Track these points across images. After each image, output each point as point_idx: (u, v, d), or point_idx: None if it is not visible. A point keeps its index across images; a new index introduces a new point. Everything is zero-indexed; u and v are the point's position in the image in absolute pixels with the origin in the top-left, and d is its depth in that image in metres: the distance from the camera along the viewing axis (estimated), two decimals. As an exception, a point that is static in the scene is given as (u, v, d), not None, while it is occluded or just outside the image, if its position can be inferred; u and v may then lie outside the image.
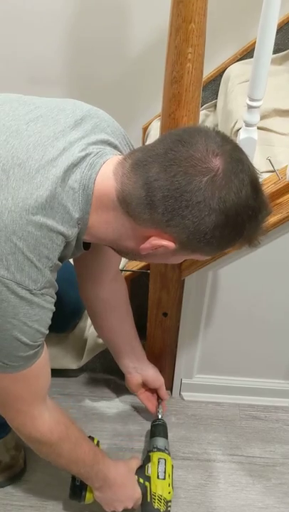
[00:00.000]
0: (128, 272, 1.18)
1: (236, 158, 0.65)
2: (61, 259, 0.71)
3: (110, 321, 1.08)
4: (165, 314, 1.16)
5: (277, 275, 1.06)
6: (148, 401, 1.20)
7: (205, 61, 1.59)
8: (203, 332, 1.19)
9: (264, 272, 1.04)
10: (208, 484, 1.18)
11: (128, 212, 0.67)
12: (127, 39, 1.51)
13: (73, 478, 1.00)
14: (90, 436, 1.00)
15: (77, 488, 1.00)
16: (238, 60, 1.50)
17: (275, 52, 1.47)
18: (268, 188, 0.95)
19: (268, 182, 0.95)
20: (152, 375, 1.16)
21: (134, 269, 1.17)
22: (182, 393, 1.33)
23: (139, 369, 1.15)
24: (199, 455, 1.23)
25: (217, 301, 1.12)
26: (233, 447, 1.24)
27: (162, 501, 1.01)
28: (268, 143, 1.16)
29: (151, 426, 1.17)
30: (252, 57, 1.54)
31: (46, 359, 0.77)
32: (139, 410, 1.30)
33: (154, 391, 1.20)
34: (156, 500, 1.01)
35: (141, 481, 1.03)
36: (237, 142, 0.86)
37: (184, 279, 1.07)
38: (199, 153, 0.62)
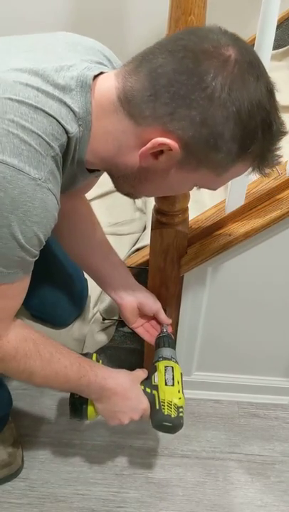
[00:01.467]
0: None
1: (250, 52, 0.60)
2: (65, 185, 0.65)
3: (76, 236, 0.99)
4: (164, 311, 1.15)
5: (277, 271, 1.05)
6: (147, 333, 1.06)
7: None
8: (202, 329, 1.18)
9: (264, 268, 1.04)
10: (207, 482, 1.17)
11: (129, 112, 0.61)
12: (126, 35, 1.50)
13: (71, 394, 0.94)
14: (86, 353, 0.95)
15: (77, 402, 0.93)
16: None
17: (275, 48, 1.47)
18: (267, 184, 0.94)
19: (266, 179, 0.95)
20: (146, 297, 1.02)
21: (132, 265, 1.17)
22: (181, 391, 1.32)
23: (131, 292, 1.01)
24: (198, 453, 1.22)
25: (216, 297, 1.11)
26: (232, 445, 1.24)
27: (172, 407, 0.92)
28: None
29: (156, 339, 1.03)
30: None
31: (26, 287, 0.72)
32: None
33: (151, 320, 1.06)
34: (166, 407, 0.92)
35: (148, 390, 0.94)
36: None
37: (182, 276, 1.06)
38: (212, 42, 0.58)
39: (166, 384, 0.94)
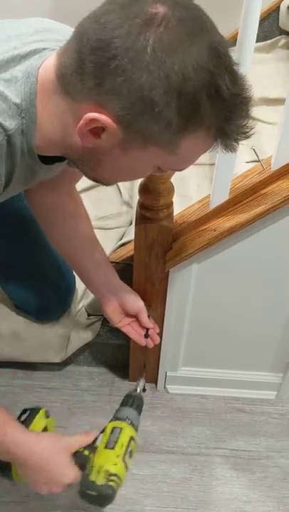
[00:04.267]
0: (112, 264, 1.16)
1: (187, 8, 0.54)
2: (9, 173, 0.63)
3: (61, 232, 0.97)
4: (150, 306, 1.14)
5: (263, 266, 1.04)
6: (134, 332, 1.02)
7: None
8: (188, 324, 1.17)
9: (249, 263, 1.03)
10: (193, 478, 1.17)
11: (65, 89, 0.58)
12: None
13: None
14: (34, 408, 0.87)
15: (1, 464, 0.81)
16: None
17: (262, 40, 1.46)
18: (252, 179, 0.93)
19: (252, 172, 0.94)
20: (129, 296, 0.99)
21: (117, 260, 1.15)
22: (167, 386, 1.31)
23: (112, 289, 0.99)
24: (184, 448, 1.22)
25: (202, 293, 1.10)
26: (218, 440, 1.23)
27: (102, 473, 0.78)
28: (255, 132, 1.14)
29: (124, 397, 0.95)
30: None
31: None
32: (124, 404, 1.28)
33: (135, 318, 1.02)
34: (95, 471, 0.79)
35: (86, 453, 0.82)
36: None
37: (168, 271, 1.05)
38: (139, 2, 0.53)
39: (105, 447, 0.82)
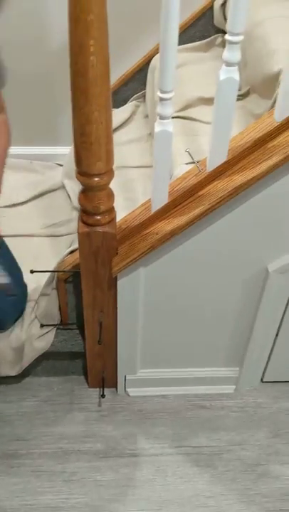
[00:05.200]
0: (61, 273, 1.15)
1: None
2: None
3: None
4: (102, 312, 1.13)
5: (206, 266, 1.05)
6: None
7: (131, 50, 1.57)
8: (142, 327, 1.17)
9: (193, 263, 1.04)
10: (156, 479, 1.18)
11: None
12: (48, 33, 1.46)
13: None
14: None
15: None
16: (164, 49, 1.47)
17: (199, 39, 1.46)
18: (190, 181, 0.94)
19: (190, 174, 0.94)
20: None
21: (65, 269, 1.14)
22: (128, 389, 1.32)
23: None
24: (147, 450, 1.22)
25: (152, 294, 1.10)
26: (180, 439, 1.25)
27: None
28: (193, 132, 1.15)
29: None
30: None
31: None
32: (84, 411, 1.28)
33: None
34: None
35: None
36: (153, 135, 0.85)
37: (116, 276, 1.05)
38: None
39: None
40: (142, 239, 0.99)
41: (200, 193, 0.92)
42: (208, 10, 1.44)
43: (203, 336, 1.22)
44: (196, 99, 1.22)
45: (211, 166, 0.91)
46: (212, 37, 1.44)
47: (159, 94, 0.80)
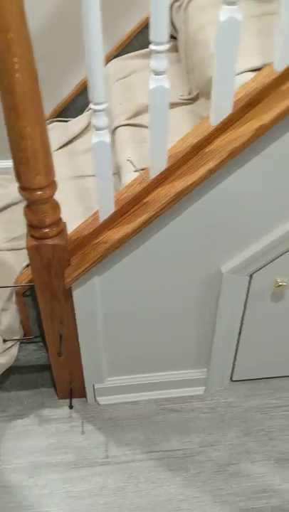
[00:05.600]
0: (18, 287, 1.15)
1: None
2: None
3: None
4: (61, 324, 1.14)
5: (160, 271, 1.06)
6: None
7: (82, 60, 1.57)
8: (104, 335, 1.18)
9: (146, 269, 1.04)
10: (128, 486, 1.18)
11: None
12: None
13: None
14: None
15: None
16: (115, 57, 1.48)
17: (146, 46, 1.48)
18: (135, 189, 0.94)
19: (134, 182, 0.95)
20: None
21: (24, 281, 1.14)
22: (97, 398, 1.32)
23: None
24: (118, 458, 1.23)
25: (110, 303, 1.11)
26: (151, 444, 1.25)
27: None
28: (142, 139, 1.15)
29: None
30: (128, 52, 1.54)
31: None
32: (54, 423, 1.28)
33: None
34: None
35: None
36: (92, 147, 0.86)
37: (70, 288, 1.05)
38: None
39: None
40: (93, 248, 0.99)
41: (145, 200, 0.93)
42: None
43: (167, 340, 1.22)
44: (146, 106, 1.22)
45: (153, 174, 0.91)
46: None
47: (91, 106, 0.81)
